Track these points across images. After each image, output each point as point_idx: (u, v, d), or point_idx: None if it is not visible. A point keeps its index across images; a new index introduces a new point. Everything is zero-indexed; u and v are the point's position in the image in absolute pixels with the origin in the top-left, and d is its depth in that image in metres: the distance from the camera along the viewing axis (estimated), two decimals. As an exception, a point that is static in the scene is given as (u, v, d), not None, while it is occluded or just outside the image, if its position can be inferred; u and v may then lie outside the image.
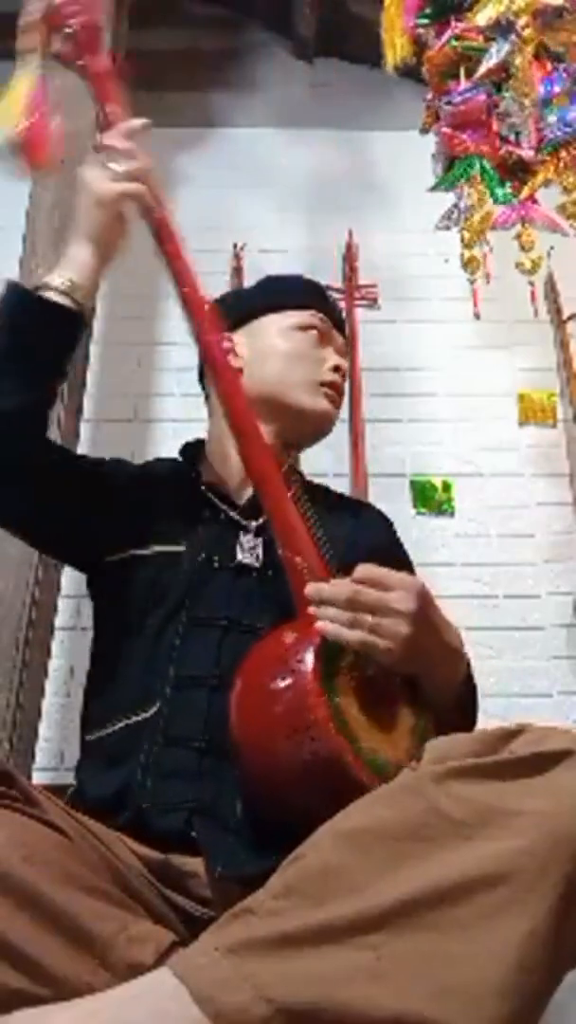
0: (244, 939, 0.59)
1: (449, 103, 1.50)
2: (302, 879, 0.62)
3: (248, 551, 1.03)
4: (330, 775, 0.73)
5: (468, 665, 0.97)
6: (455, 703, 0.94)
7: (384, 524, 1.21)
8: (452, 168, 1.55)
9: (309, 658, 0.81)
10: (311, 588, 0.86)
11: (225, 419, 1.04)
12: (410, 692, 0.89)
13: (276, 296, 1.23)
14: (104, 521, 1.07)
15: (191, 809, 0.87)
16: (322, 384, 1.15)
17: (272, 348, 1.17)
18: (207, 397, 1.22)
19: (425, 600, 0.85)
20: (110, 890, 0.74)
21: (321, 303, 1.22)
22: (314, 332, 1.17)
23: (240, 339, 1.19)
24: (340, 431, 2.34)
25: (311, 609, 0.85)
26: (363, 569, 0.85)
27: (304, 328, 1.18)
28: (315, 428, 1.18)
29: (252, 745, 0.82)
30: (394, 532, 1.21)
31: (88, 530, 1.07)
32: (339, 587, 0.84)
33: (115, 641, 1.02)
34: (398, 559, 1.16)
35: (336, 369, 1.17)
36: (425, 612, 0.85)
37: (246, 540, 1.05)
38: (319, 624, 0.83)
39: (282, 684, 0.81)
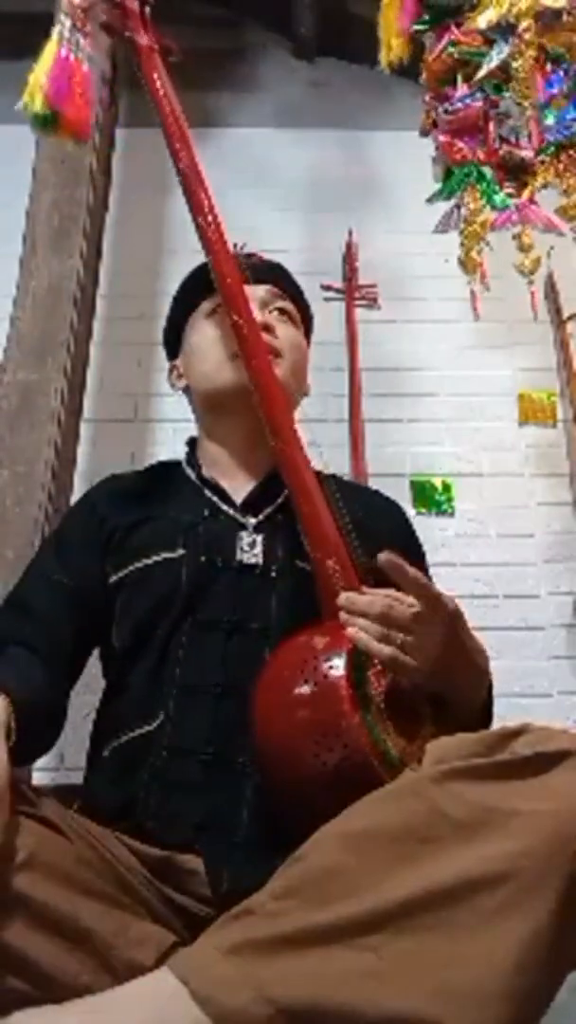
0: (245, 939, 0.59)
1: (447, 111, 1.49)
2: (303, 880, 0.62)
3: (249, 550, 1.02)
4: (360, 781, 0.72)
5: (490, 685, 0.96)
6: (475, 721, 0.93)
7: (396, 513, 1.19)
8: (450, 176, 1.55)
9: (341, 664, 0.80)
10: (344, 597, 0.85)
11: (260, 414, 1.01)
12: (433, 703, 0.88)
13: (182, 302, 1.21)
14: (109, 557, 1.05)
15: (196, 824, 0.86)
16: (236, 355, 1.08)
17: (190, 349, 1.16)
18: (190, 400, 1.21)
19: (457, 621, 0.85)
20: (109, 891, 0.75)
21: None
22: (220, 312, 1.13)
23: (180, 362, 1.20)
24: (340, 431, 2.35)
25: (342, 616, 0.84)
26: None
27: (209, 314, 1.15)
28: (246, 399, 1.07)
29: (277, 747, 0.81)
30: (406, 522, 1.19)
31: (104, 595, 1.04)
32: (373, 600, 0.83)
33: (124, 654, 1.01)
34: (409, 552, 1.15)
35: None
36: (456, 633, 0.84)
37: (246, 538, 1.03)
38: (350, 631, 0.82)
39: (312, 689, 0.80)
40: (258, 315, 1.11)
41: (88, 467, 2.10)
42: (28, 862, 0.68)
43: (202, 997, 0.57)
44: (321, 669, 0.81)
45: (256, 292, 1.15)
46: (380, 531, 1.07)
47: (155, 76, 1.19)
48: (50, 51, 1.23)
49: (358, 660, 0.82)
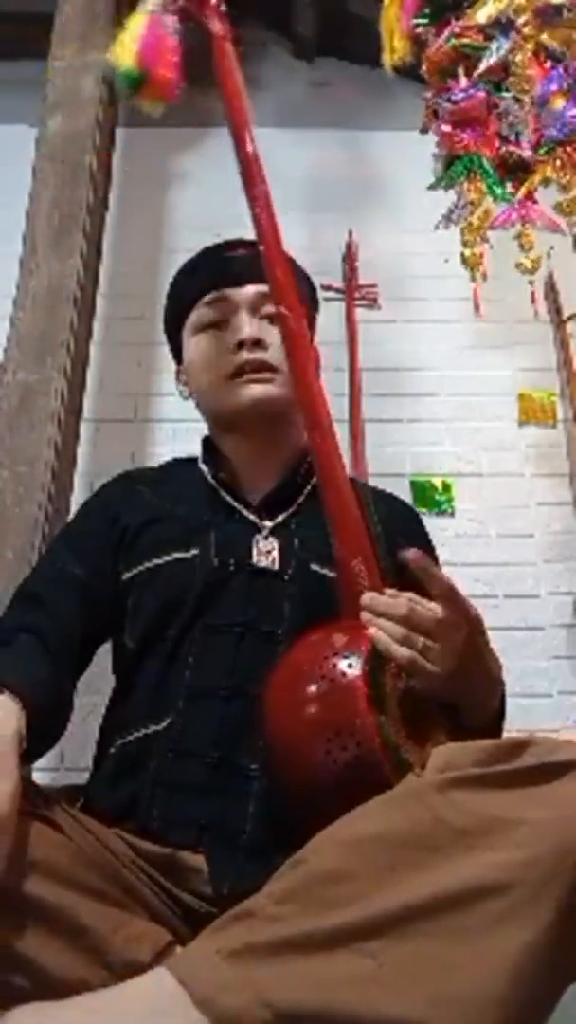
0: (245, 943, 0.59)
1: (448, 100, 1.49)
2: (304, 884, 0.62)
3: (264, 553, 1.01)
4: (369, 782, 0.72)
5: (503, 694, 0.96)
6: (486, 729, 0.92)
7: (412, 519, 1.19)
8: (451, 166, 1.54)
9: (359, 663, 0.80)
10: (367, 598, 0.84)
11: (299, 407, 1.00)
12: (446, 709, 0.88)
13: (174, 307, 1.19)
14: (122, 555, 1.05)
15: (200, 826, 0.86)
16: (233, 375, 1.08)
17: (189, 362, 1.14)
18: (197, 404, 1.18)
19: (477, 629, 0.84)
20: (107, 888, 0.75)
21: (208, 281, 1.14)
22: (211, 328, 1.11)
23: (184, 370, 1.18)
24: (340, 431, 2.35)
25: (363, 616, 0.84)
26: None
27: (200, 329, 1.13)
28: (258, 415, 1.08)
29: (288, 743, 0.81)
30: (421, 526, 1.18)
31: (116, 584, 1.04)
32: (396, 602, 0.83)
33: (134, 653, 1.00)
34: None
35: (240, 345, 1.08)
36: (475, 641, 0.84)
37: (262, 542, 1.03)
38: (371, 632, 0.82)
39: (329, 686, 0.79)
40: (247, 327, 1.09)
41: (88, 467, 2.10)
42: (26, 859, 0.68)
43: (201, 999, 0.57)
44: (339, 667, 0.80)
45: (244, 295, 1.12)
46: (397, 535, 1.07)
47: (228, 65, 1.19)
48: (138, 19, 1.23)
49: (376, 661, 0.81)
